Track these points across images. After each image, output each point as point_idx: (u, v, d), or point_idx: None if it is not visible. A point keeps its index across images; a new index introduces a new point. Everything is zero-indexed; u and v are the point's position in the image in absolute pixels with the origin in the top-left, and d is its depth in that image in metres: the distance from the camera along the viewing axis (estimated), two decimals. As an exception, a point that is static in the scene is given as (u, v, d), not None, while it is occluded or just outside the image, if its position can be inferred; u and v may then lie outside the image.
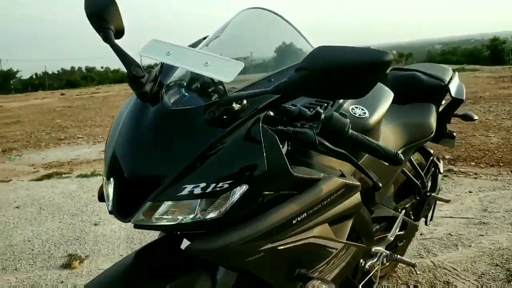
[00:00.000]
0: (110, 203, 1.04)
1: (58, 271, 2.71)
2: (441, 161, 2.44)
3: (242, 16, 1.31)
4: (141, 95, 1.10)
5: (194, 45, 1.31)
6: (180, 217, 1.01)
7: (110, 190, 1.04)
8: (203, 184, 0.97)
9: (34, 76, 71.46)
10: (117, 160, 1.04)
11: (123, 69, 1.12)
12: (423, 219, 2.43)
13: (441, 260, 2.65)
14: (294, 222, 1.11)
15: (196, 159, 0.99)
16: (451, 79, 2.27)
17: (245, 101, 1.02)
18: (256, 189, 1.03)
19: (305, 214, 1.13)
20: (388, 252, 1.88)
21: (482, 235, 2.94)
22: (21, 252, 3.02)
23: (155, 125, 1.05)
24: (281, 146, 1.04)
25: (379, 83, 1.68)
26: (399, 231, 1.98)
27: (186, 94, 1.12)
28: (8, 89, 47.41)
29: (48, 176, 5.15)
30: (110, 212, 1.04)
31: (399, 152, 1.82)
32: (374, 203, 1.73)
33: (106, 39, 1.16)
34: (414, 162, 2.11)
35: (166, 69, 1.15)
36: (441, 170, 2.40)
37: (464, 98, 2.23)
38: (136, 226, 1.04)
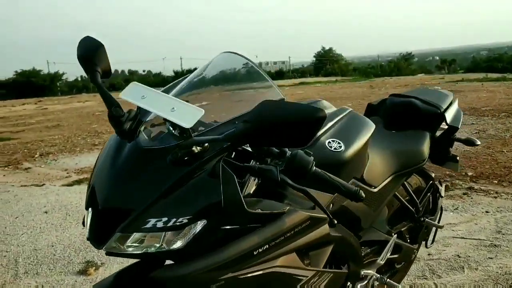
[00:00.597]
0: (88, 231, 1.16)
1: (75, 277, 2.89)
2: (443, 185, 2.47)
3: (218, 59, 1.44)
4: (120, 133, 1.22)
5: (176, 84, 1.43)
6: (147, 247, 1.12)
7: (88, 218, 1.17)
8: (165, 219, 1.09)
9: (79, 79, 74.20)
10: (94, 191, 1.17)
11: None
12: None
13: (445, 282, 2.65)
14: (255, 253, 1.20)
15: (160, 196, 1.10)
16: (449, 105, 2.29)
17: (206, 144, 1.13)
18: (215, 224, 1.13)
19: (267, 245, 1.22)
20: (378, 275, 1.92)
21: (491, 258, 2.91)
22: (44, 256, 3.23)
23: (128, 162, 1.17)
24: (237, 185, 1.14)
25: (360, 115, 1.75)
26: (392, 254, 2.02)
27: (159, 134, 1.25)
28: (54, 91, 48.99)
29: (79, 182, 5.41)
30: (88, 239, 1.17)
31: (388, 179, 1.87)
32: (360, 228, 1.78)
33: (93, 80, 1.27)
34: (408, 187, 2.14)
35: (144, 110, 1.26)
36: (442, 194, 2.43)
37: (459, 125, 2.25)
38: (108, 254, 1.16)
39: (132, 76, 69.02)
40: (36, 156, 7.33)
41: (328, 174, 1.21)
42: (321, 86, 23.30)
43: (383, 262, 1.93)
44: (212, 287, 1.18)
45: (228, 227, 1.16)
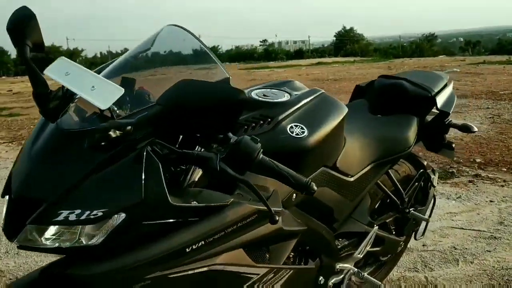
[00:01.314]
0: (2, 221, 1.05)
1: (54, 258, 2.83)
2: (436, 174, 2.31)
3: (163, 33, 1.32)
4: (44, 113, 1.10)
5: (114, 61, 1.32)
6: (64, 241, 1.02)
7: (4, 207, 1.06)
8: (78, 211, 0.98)
9: (99, 55, 75.09)
10: (11, 177, 1.06)
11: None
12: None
13: (436, 275, 2.52)
14: (187, 250, 1.09)
15: (74, 185, 0.99)
16: (442, 89, 2.14)
17: (129, 127, 1.00)
18: (136, 219, 1.02)
19: (203, 242, 1.11)
20: (355, 269, 1.81)
21: (489, 251, 2.76)
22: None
23: (46, 146, 1.06)
24: (161, 175, 1.01)
25: (332, 97, 1.60)
26: (374, 247, 1.91)
27: (84, 116, 1.12)
28: None
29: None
30: (2, 230, 1.06)
31: (368, 167, 1.74)
32: (334, 220, 1.67)
33: (21, 53, 1.16)
34: (393, 176, 2.01)
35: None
36: (435, 184, 2.27)
37: (451, 111, 2.09)
38: (21, 247, 1.05)
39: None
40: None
41: (276, 163, 1.09)
42: (338, 66, 22.83)
43: (361, 256, 1.82)
44: (135, 286, 1.06)
45: (152, 222, 1.04)
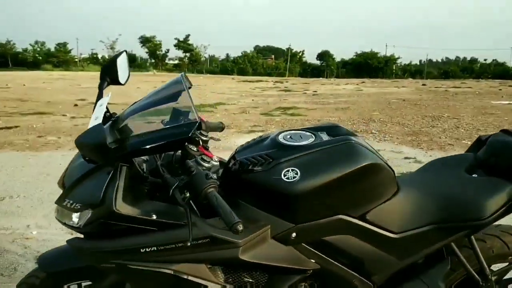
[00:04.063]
0: None
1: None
2: None
3: (172, 81, 1.64)
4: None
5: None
6: (61, 218, 1.50)
7: None
8: (71, 201, 1.42)
9: (418, 63, 75.45)
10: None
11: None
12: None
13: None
14: (142, 251, 1.37)
15: (74, 184, 1.46)
16: None
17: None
18: (97, 216, 1.39)
19: (155, 248, 1.37)
20: None
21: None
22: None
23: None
24: (117, 188, 1.36)
25: (358, 147, 1.54)
26: None
27: None
28: (388, 74, 55.64)
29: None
30: None
31: (424, 228, 1.61)
32: (371, 273, 1.62)
33: (99, 87, 1.63)
34: (477, 249, 1.72)
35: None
36: None
37: None
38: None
39: (471, 65, 63.50)
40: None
41: (219, 200, 1.25)
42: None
43: None
44: (102, 265, 1.43)
45: (109, 221, 1.37)
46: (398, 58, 62.18)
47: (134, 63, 64.60)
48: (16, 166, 5.63)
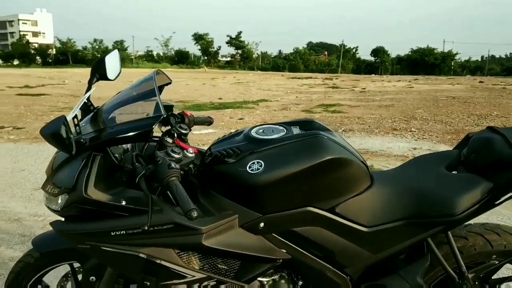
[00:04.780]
0: None
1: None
2: None
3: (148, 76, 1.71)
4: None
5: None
6: (46, 202, 1.62)
7: None
8: (51, 186, 1.56)
9: (479, 59, 76.24)
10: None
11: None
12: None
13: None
14: (112, 234, 1.47)
15: (56, 169, 1.59)
16: None
17: (82, 140, 1.50)
18: (72, 200, 1.51)
19: (124, 231, 1.46)
20: None
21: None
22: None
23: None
24: (87, 175, 1.49)
25: (325, 141, 1.57)
26: None
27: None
28: (445, 70, 54.24)
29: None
30: None
31: (397, 223, 1.62)
32: (343, 265, 1.66)
33: (88, 82, 1.75)
34: (454, 245, 1.71)
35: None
36: None
37: None
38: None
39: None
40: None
41: (179, 188, 1.33)
42: None
43: None
44: (79, 246, 1.55)
45: (82, 206, 1.49)
46: (457, 54, 60.63)
47: (187, 60, 66.09)
48: (59, 158, 5.96)
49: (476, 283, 1.84)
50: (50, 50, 67.05)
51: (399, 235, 1.66)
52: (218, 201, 1.56)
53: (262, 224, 1.54)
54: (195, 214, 1.27)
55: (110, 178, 1.56)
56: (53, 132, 1.37)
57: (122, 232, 1.48)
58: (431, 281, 1.81)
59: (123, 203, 1.50)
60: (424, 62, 55.67)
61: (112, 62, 1.80)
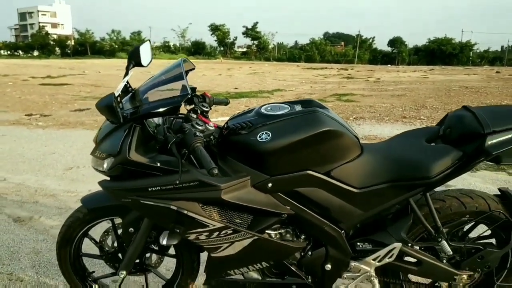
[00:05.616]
0: None
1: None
2: None
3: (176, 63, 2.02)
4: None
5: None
6: (95, 164, 1.97)
7: None
8: (99, 152, 1.93)
9: (499, 49, 74.19)
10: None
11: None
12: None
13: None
14: (149, 190, 1.82)
15: (103, 139, 1.95)
16: (506, 130, 1.89)
17: (125, 115, 1.81)
18: (117, 162, 1.85)
19: (159, 188, 1.81)
20: (372, 273, 2.08)
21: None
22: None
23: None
24: (130, 142, 1.83)
25: (321, 116, 1.88)
26: (408, 265, 2.10)
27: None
28: (463, 61, 53.48)
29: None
30: None
31: (383, 185, 1.91)
32: (337, 220, 1.97)
33: (126, 68, 2.01)
34: (431, 204, 2.02)
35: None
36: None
37: (493, 152, 1.86)
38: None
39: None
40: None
41: (202, 153, 1.63)
42: None
43: (378, 263, 2.04)
44: (122, 200, 1.89)
45: (126, 167, 1.84)
46: (475, 44, 60.17)
47: (203, 50, 66.35)
48: (85, 143, 6.37)
49: (454, 240, 2.15)
50: (69, 41, 68.07)
51: (385, 195, 1.95)
52: (234, 165, 1.86)
53: (270, 184, 1.84)
54: (215, 171, 1.55)
55: (146, 146, 1.86)
56: (106, 105, 1.72)
57: (157, 188, 1.80)
58: (414, 237, 2.10)
59: (158, 164, 1.81)
60: (441, 53, 55.27)
61: (144, 51, 2.11)
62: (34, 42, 66.32)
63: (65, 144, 6.50)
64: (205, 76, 22.19)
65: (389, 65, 47.44)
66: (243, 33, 67.25)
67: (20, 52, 63.13)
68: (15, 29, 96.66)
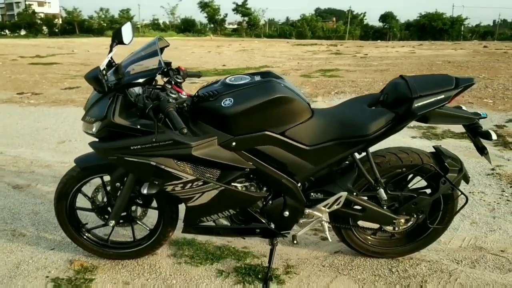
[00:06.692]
0: None
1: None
2: (461, 176, 2.43)
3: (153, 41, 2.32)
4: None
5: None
6: (85, 128, 2.29)
7: None
8: (89, 117, 2.24)
9: (491, 24, 71.05)
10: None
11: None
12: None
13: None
14: (131, 148, 2.14)
15: (93, 105, 2.26)
16: (433, 94, 2.22)
17: (110, 85, 2.16)
18: (104, 125, 2.17)
19: (139, 146, 2.12)
20: (324, 219, 2.47)
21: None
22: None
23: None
24: (113, 107, 2.14)
25: (276, 85, 2.23)
26: (355, 211, 2.50)
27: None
28: (454, 36, 52.09)
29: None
30: None
31: (329, 143, 2.27)
32: (292, 174, 2.32)
33: (110, 46, 2.30)
34: (371, 159, 2.38)
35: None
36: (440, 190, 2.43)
37: (418, 113, 2.21)
38: None
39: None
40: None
41: (175, 116, 1.92)
42: None
43: (328, 210, 2.41)
44: (109, 158, 2.21)
45: (111, 129, 2.14)
46: (466, 19, 58.50)
47: (193, 28, 65.82)
48: (76, 119, 6.64)
49: (392, 190, 2.53)
50: (56, 20, 67.03)
51: (332, 151, 2.29)
52: (203, 127, 2.18)
53: (233, 143, 2.16)
54: (185, 130, 1.85)
55: (128, 111, 2.16)
56: (94, 76, 2.08)
57: (138, 147, 2.13)
58: (359, 188, 2.49)
59: (138, 126, 2.13)
60: (432, 28, 54.70)
61: (126, 31, 2.41)
62: (20, 21, 65.14)
63: (57, 120, 6.80)
64: (194, 53, 22.29)
65: (378, 41, 47.23)
66: (233, 10, 66.52)
67: (7, 31, 62.12)
68: (0, 8, 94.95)
